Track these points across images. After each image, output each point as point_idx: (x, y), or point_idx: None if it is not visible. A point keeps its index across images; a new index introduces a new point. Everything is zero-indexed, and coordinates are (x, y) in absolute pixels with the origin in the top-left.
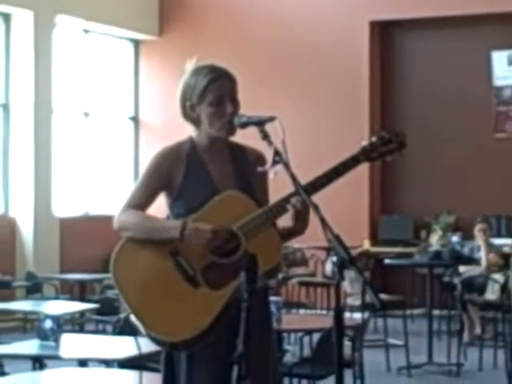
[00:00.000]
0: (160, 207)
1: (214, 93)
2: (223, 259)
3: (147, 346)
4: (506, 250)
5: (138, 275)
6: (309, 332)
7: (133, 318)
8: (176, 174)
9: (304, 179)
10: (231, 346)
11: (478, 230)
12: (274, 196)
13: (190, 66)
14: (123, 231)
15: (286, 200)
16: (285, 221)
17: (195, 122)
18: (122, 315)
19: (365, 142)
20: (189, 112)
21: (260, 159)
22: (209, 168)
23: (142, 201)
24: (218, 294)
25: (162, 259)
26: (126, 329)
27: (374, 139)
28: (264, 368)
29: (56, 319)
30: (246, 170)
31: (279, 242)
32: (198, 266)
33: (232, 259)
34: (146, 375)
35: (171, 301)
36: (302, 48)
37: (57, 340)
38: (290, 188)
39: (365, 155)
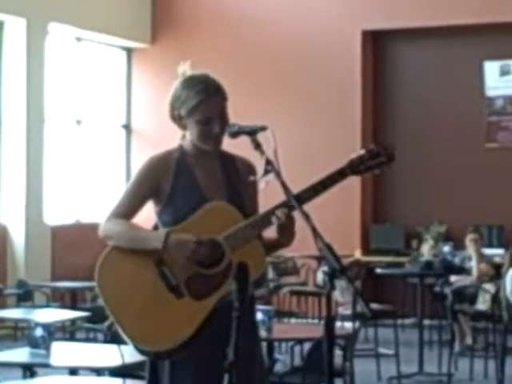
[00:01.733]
0: (148, 216)
1: (203, 113)
2: (207, 270)
3: (136, 354)
4: (497, 259)
5: (122, 284)
6: (300, 341)
7: (117, 326)
8: (165, 182)
9: (295, 189)
10: (214, 354)
11: (469, 239)
12: (264, 206)
13: (183, 69)
14: (108, 240)
15: (272, 212)
16: (272, 233)
17: (182, 127)
18: (106, 323)
19: (353, 155)
20: (177, 119)
21: (250, 169)
22: (197, 176)
23: (128, 209)
24: (201, 305)
25: (146, 269)
26: (117, 337)
27: (362, 152)
28: (250, 377)
29: (47, 327)
30: (236, 180)
31: (263, 252)
32: (182, 276)
33: (216, 270)
34: (131, 383)
35: (154, 311)
36: (295, 56)
37: (47, 348)
38: (280, 198)
39: (352, 169)
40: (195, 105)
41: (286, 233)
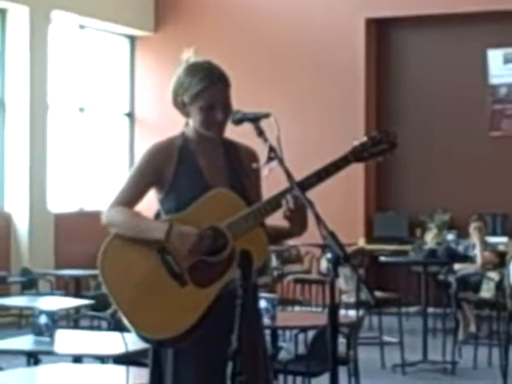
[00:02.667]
0: (149, 206)
1: (206, 100)
2: (210, 258)
3: (140, 342)
4: (501, 248)
5: (125, 272)
6: (304, 329)
7: (120, 314)
8: (167, 169)
9: (298, 176)
10: (217, 342)
11: (473, 228)
12: (267, 193)
13: (186, 55)
14: (110, 227)
15: (275, 199)
16: (283, 221)
17: (185, 114)
18: (109, 311)
19: (356, 142)
20: (180, 106)
21: (252, 156)
22: (200, 163)
23: (131, 197)
24: (205, 292)
25: (149, 256)
26: (121, 325)
27: (364, 139)
28: (253, 364)
29: (51, 315)
30: (238, 167)
31: (266, 240)
32: (185, 264)
33: (219, 258)
34: (134, 370)
35: (158, 298)
36: (298, 45)
37: (51, 336)
38: (283, 185)
39: (355, 156)
40: (198, 91)
41: (297, 220)
